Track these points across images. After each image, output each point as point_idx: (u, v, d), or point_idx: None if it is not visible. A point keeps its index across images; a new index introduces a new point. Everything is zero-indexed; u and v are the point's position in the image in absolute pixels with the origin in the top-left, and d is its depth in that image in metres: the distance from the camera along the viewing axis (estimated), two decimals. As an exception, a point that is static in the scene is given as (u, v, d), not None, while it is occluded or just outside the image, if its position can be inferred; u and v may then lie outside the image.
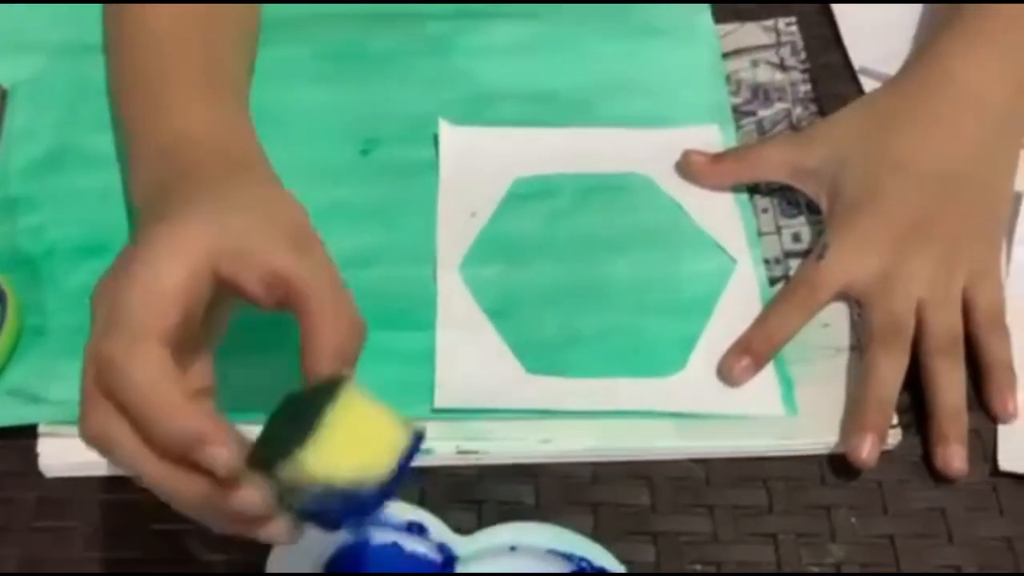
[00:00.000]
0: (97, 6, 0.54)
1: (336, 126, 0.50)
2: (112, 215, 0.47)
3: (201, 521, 0.31)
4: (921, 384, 0.42)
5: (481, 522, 0.39)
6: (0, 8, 0.55)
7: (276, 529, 0.30)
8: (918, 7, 0.53)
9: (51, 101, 0.51)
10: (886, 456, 0.40)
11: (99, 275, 0.44)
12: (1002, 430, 0.41)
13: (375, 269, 0.45)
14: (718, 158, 0.48)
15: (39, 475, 0.40)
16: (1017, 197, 0.45)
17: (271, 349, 0.36)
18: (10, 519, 0.40)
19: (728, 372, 0.42)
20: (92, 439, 0.31)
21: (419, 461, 0.40)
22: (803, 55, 0.53)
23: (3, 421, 0.41)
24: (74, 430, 0.40)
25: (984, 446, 0.41)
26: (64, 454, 0.40)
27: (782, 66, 0.52)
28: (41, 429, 0.41)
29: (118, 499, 0.40)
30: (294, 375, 0.32)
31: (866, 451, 0.39)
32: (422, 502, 0.39)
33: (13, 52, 0.53)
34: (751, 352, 0.42)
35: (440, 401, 0.41)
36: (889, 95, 0.46)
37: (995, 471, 0.41)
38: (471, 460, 0.41)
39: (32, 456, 0.40)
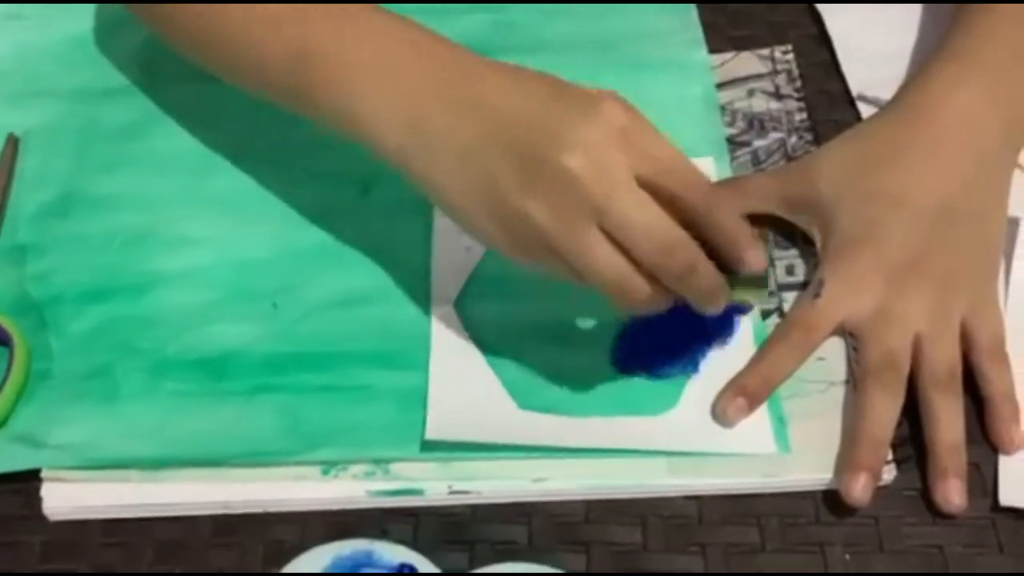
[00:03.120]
0: (113, 48, 0.55)
1: (336, 166, 0.50)
2: (117, 261, 0.48)
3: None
4: (919, 418, 0.41)
5: (474, 563, 0.39)
6: (18, 54, 0.56)
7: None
8: (914, 32, 0.53)
9: (62, 147, 0.53)
10: (882, 491, 0.40)
11: (103, 321, 0.46)
12: (1003, 464, 0.41)
13: (371, 308, 0.46)
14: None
15: (44, 519, 0.41)
16: (1014, 222, 0.45)
17: None
18: (16, 563, 0.41)
19: (722, 413, 0.42)
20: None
21: (410, 501, 0.41)
22: (799, 83, 0.52)
23: (7, 467, 0.42)
24: (77, 474, 0.42)
25: (984, 481, 0.41)
26: (68, 498, 0.41)
27: (777, 95, 0.52)
28: (44, 473, 0.42)
29: (122, 541, 0.41)
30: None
31: (859, 490, 0.39)
32: (415, 543, 0.39)
33: (28, 99, 0.54)
34: (746, 393, 0.42)
35: (431, 432, 0.41)
36: (880, 126, 0.45)
37: (995, 506, 0.40)
38: (464, 500, 0.41)
39: (36, 500, 0.41)
